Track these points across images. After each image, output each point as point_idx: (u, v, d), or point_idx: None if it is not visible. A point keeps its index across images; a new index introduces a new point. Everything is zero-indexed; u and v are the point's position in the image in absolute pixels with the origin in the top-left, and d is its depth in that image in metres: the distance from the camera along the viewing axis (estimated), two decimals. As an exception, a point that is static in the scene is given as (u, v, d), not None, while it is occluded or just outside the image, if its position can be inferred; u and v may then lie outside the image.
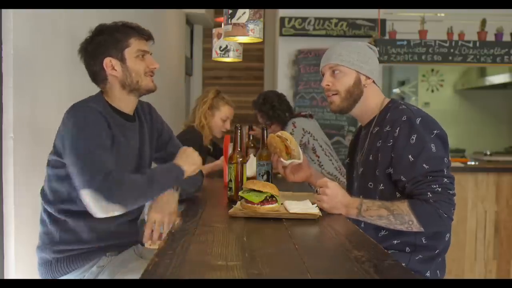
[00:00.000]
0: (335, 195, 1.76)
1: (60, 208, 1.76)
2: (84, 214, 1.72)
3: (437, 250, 1.81)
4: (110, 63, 1.80)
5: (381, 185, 1.82)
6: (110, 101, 1.84)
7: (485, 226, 3.96)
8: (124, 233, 1.85)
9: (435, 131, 1.75)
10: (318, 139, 3.44)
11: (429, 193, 1.68)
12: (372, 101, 1.92)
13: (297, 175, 2.07)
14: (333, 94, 1.91)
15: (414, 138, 1.72)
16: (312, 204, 1.77)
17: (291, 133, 3.32)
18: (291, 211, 1.69)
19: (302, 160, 2.01)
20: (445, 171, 1.72)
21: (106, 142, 1.72)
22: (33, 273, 1.94)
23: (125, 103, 1.86)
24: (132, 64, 1.81)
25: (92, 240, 1.78)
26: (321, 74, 1.97)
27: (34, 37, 1.95)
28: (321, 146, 3.45)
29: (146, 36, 1.86)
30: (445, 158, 1.73)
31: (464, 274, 3.92)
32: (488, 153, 5.64)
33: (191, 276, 1.09)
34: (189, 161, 1.92)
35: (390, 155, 1.77)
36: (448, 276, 1.93)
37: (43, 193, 1.82)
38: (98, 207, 1.63)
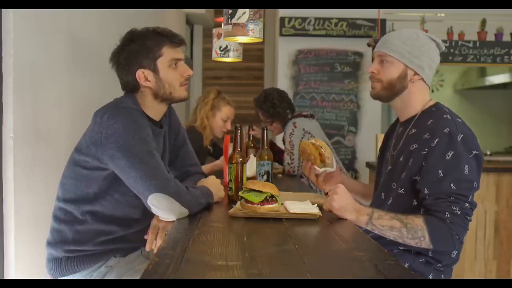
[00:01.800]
0: (345, 196, 1.71)
1: (84, 209, 1.74)
2: (108, 217, 1.73)
3: (440, 264, 1.78)
4: (143, 75, 1.76)
5: (402, 189, 1.78)
6: (141, 106, 1.81)
7: (485, 226, 3.96)
8: (137, 239, 1.82)
9: (474, 152, 1.69)
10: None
11: (447, 213, 1.64)
12: (415, 99, 1.85)
13: (329, 183, 1.99)
14: (376, 81, 1.87)
15: (451, 155, 1.66)
16: (312, 204, 1.77)
17: (291, 133, 3.32)
18: (291, 211, 1.68)
19: (335, 168, 1.97)
20: (470, 197, 1.68)
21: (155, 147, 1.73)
22: (33, 273, 1.94)
23: (156, 110, 1.84)
24: (165, 74, 1.78)
25: (104, 243, 1.76)
26: (373, 57, 1.92)
27: (34, 37, 1.95)
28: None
29: (178, 42, 1.81)
30: (475, 183, 1.69)
31: (464, 274, 3.92)
32: (488, 153, 5.63)
33: (191, 276, 1.09)
34: (217, 189, 1.91)
35: (421, 163, 1.71)
36: (448, 276, 1.93)
37: (62, 191, 1.78)
38: (171, 211, 1.66)
